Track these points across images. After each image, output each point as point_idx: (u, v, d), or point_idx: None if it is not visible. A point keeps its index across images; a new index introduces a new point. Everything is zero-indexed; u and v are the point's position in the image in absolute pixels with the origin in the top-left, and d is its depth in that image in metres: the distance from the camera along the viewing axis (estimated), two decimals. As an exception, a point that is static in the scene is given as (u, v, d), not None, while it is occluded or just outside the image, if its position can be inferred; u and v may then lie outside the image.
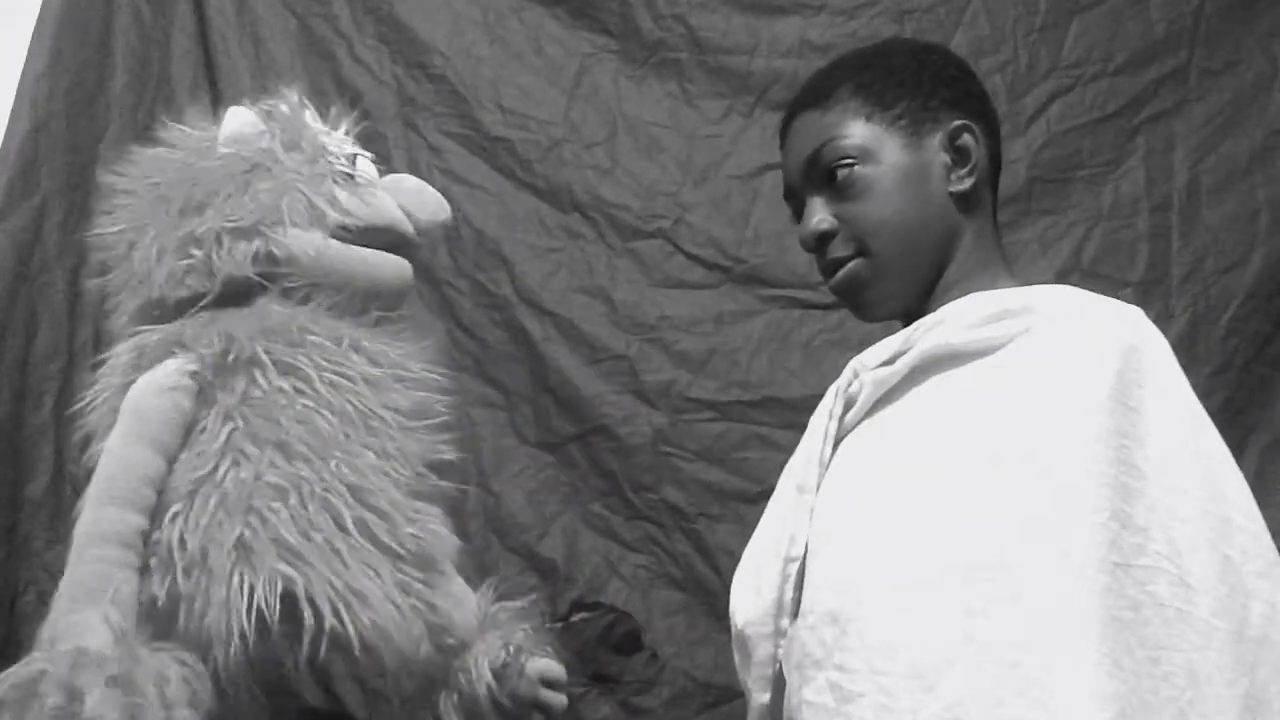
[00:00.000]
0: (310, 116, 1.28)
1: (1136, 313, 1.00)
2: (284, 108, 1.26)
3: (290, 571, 0.99)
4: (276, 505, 1.01)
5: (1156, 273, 1.94)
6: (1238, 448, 0.99)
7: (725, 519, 1.87)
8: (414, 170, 1.90)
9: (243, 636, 0.97)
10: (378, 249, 1.21)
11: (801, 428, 1.08)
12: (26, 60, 1.93)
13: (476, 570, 1.43)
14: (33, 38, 1.94)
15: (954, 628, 0.86)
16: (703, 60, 2.06)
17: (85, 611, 0.96)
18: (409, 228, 1.24)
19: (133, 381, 1.10)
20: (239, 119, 1.23)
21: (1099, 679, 0.82)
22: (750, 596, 1.01)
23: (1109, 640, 0.84)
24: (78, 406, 1.16)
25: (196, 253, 1.13)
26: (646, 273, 1.99)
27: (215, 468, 1.03)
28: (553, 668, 1.28)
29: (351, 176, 1.23)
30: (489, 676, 1.23)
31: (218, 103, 2.01)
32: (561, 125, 2.04)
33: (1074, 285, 1.07)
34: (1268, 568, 0.92)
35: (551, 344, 1.96)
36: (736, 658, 1.04)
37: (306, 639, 0.99)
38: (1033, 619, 0.85)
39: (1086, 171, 1.99)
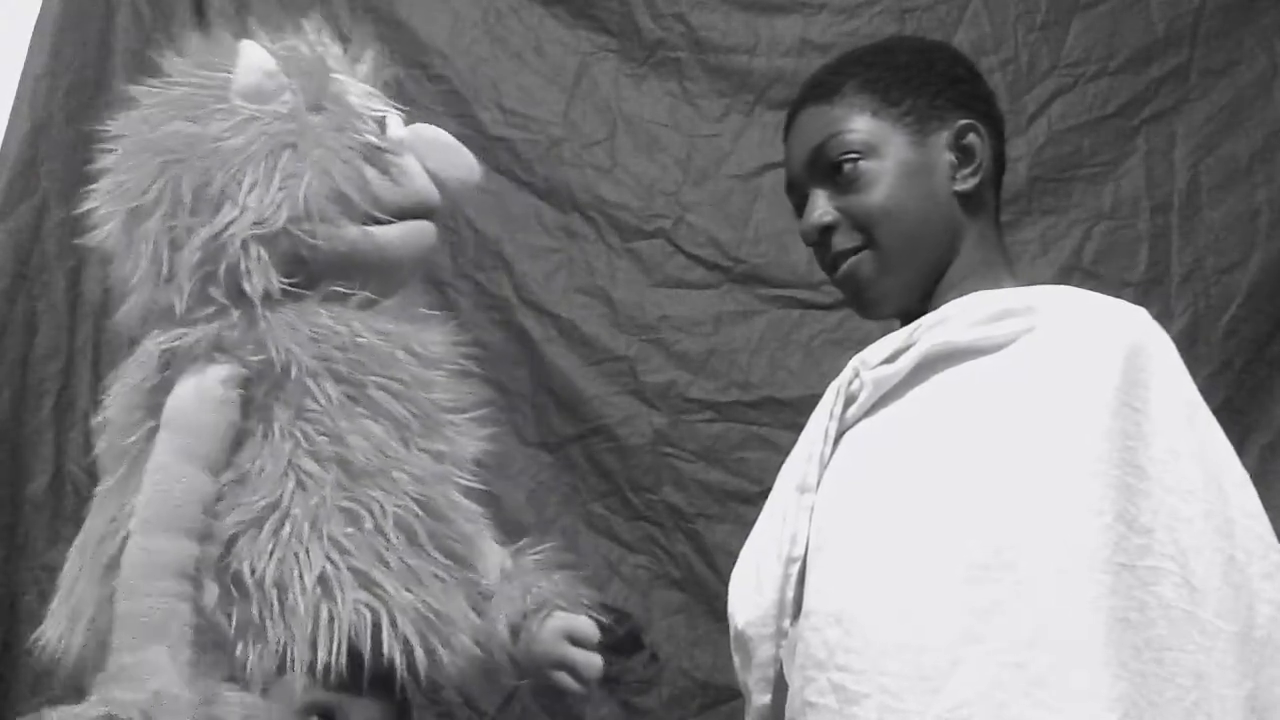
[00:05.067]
0: (334, 58, 1.14)
1: (1141, 313, 1.00)
2: (304, 49, 1.11)
3: (373, 601, 0.96)
4: (351, 530, 0.97)
5: (1157, 272, 1.94)
6: (1238, 448, 0.99)
7: (725, 519, 1.86)
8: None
9: (326, 670, 0.94)
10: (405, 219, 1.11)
11: (801, 428, 1.08)
12: (26, 60, 1.93)
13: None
14: (33, 38, 1.94)
15: (959, 628, 0.86)
16: (703, 59, 2.05)
17: (149, 649, 0.91)
18: (437, 199, 1.15)
19: (161, 383, 1.02)
20: (256, 69, 1.06)
21: (1105, 680, 0.82)
22: (750, 597, 1.01)
23: (1115, 641, 0.84)
24: (102, 407, 1.09)
25: (221, 264, 1.01)
26: (646, 273, 1.99)
27: (280, 493, 0.98)
28: (580, 624, 1.17)
29: (380, 149, 1.10)
30: (504, 633, 1.13)
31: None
32: (561, 125, 2.03)
33: (1075, 285, 1.08)
34: (1273, 569, 0.92)
35: (551, 344, 1.95)
36: (736, 659, 1.04)
37: (401, 663, 0.96)
38: (1039, 619, 0.85)
39: (1087, 170, 1.98)
